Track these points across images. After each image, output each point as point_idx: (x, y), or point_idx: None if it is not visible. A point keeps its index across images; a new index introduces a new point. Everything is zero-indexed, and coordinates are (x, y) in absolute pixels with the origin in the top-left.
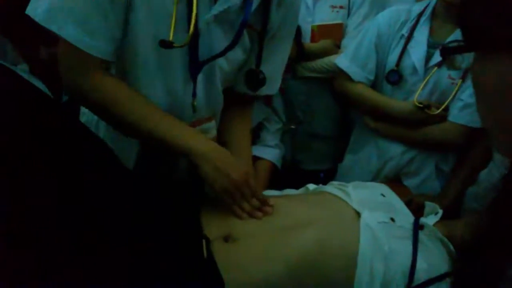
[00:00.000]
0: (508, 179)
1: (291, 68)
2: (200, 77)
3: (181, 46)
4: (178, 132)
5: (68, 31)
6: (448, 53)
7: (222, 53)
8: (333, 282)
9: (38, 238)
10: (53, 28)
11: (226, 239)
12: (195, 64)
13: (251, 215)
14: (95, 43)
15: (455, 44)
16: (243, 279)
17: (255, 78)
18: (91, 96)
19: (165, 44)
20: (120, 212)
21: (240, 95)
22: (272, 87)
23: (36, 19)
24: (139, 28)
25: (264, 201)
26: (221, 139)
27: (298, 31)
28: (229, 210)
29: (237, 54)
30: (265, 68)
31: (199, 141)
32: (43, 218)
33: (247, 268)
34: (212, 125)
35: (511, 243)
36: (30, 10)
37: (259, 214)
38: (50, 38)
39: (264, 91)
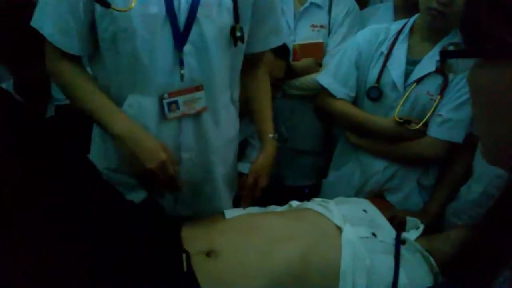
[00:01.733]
0: (505, 196)
1: (280, 87)
2: (189, 48)
3: (119, 10)
4: (106, 115)
5: (47, 30)
6: (448, 57)
7: (194, 4)
8: None
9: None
10: (38, 27)
11: (208, 254)
12: (178, 35)
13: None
14: (65, 39)
15: (454, 47)
16: None
17: (233, 34)
18: (56, 79)
19: (102, 2)
20: (101, 227)
21: (249, 59)
22: (277, 38)
23: (32, 24)
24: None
25: (177, 188)
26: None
27: (287, 50)
28: (210, 226)
29: (222, 17)
30: (259, 20)
31: (121, 124)
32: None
33: (229, 284)
34: (200, 95)
35: (501, 257)
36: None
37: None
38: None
39: (272, 42)
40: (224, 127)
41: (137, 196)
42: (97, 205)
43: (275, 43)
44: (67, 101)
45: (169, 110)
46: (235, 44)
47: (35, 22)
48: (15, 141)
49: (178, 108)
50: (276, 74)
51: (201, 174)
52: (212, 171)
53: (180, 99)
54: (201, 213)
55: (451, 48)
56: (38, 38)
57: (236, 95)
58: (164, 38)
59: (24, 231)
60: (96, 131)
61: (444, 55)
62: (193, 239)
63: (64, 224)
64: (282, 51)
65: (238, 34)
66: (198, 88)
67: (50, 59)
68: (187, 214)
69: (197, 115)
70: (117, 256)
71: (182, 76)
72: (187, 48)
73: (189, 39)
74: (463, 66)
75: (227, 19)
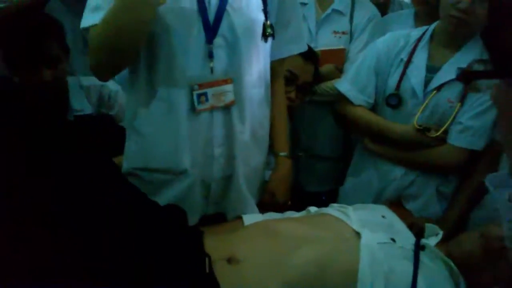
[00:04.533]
0: None
1: (309, 91)
2: (219, 41)
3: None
4: None
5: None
6: (471, 79)
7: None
8: None
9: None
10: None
11: (229, 260)
12: (208, 28)
13: None
14: None
15: (477, 66)
16: None
17: (264, 31)
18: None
19: None
20: (126, 230)
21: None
22: (298, 45)
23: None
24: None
25: None
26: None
27: (315, 55)
28: (230, 232)
29: (251, 12)
30: (282, 27)
31: None
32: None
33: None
34: (229, 88)
35: None
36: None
37: None
38: (53, 61)
39: (293, 49)
40: (251, 123)
41: (162, 198)
42: (120, 206)
43: (296, 50)
44: (87, 112)
45: (199, 102)
46: (266, 40)
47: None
48: (30, 143)
49: (207, 100)
50: (305, 78)
51: (228, 170)
52: (234, 167)
53: (210, 91)
54: (230, 213)
55: (476, 67)
56: (41, 44)
57: (269, 97)
58: (195, 31)
59: (45, 234)
60: (129, 131)
61: (469, 75)
62: (215, 245)
63: (86, 225)
64: (310, 56)
65: (269, 30)
66: (226, 81)
67: None
68: (217, 212)
69: (226, 109)
70: (140, 258)
71: (212, 68)
72: (217, 41)
73: (219, 32)
74: (487, 84)
75: (256, 14)
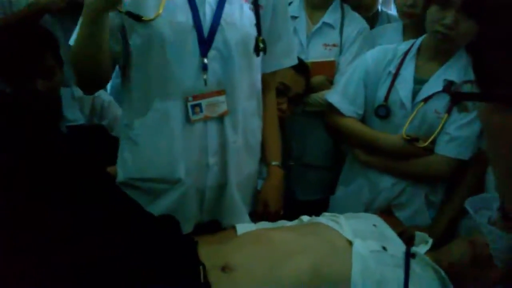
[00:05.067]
0: None
1: (301, 103)
2: (213, 53)
3: (149, 20)
4: None
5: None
6: (460, 100)
7: (218, 13)
8: None
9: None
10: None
11: (223, 269)
12: (202, 41)
13: None
14: None
15: (466, 87)
16: None
17: (256, 45)
18: None
19: (132, 15)
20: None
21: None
22: (289, 58)
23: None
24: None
25: None
26: None
27: (307, 68)
28: (224, 241)
29: (244, 26)
30: (273, 41)
31: None
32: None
33: None
34: (222, 99)
35: None
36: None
37: None
38: (47, 72)
39: (284, 62)
40: (244, 133)
41: (158, 207)
42: (115, 216)
43: (287, 63)
44: (80, 122)
45: (193, 112)
46: (257, 54)
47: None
48: (27, 152)
49: (201, 110)
50: (297, 89)
51: (222, 179)
52: (227, 176)
53: (204, 102)
54: (224, 221)
55: (465, 87)
56: (37, 55)
57: (260, 109)
58: (190, 45)
59: (40, 245)
60: (124, 141)
61: (457, 96)
62: (209, 253)
63: (81, 235)
64: (301, 68)
65: (261, 45)
66: (220, 93)
67: None
68: (211, 220)
69: (219, 119)
70: (134, 267)
71: (205, 80)
72: (211, 54)
73: (213, 46)
74: (476, 106)
75: (249, 29)
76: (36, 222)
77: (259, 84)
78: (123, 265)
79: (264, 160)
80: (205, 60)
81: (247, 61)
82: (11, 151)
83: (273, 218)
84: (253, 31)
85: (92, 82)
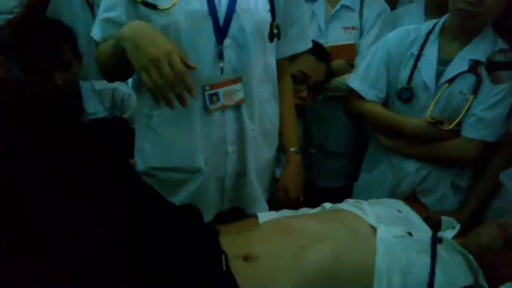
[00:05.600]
0: None
1: (322, 90)
2: (229, 41)
3: (165, 9)
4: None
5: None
6: (495, 69)
7: (233, 0)
8: None
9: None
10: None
11: (246, 258)
12: (218, 29)
13: (165, 96)
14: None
15: (498, 57)
16: None
17: (271, 31)
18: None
19: (148, 4)
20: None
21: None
22: (303, 43)
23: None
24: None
25: (188, 85)
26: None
27: (327, 54)
28: (246, 230)
29: (259, 12)
30: (287, 26)
31: (129, 25)
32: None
33: (265, 285)
34: (238, 87)
35: None
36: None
37: (177, 95)
38: (64, 64)
39: (298, 47)
40: (260, 120)
41: (178, 197)
42: (137, 206)
43: (301, 48)
44: (101, 115)
45: (211, 102)
46: (271, 40)
47: (92, 31)
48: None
49: (218, 100)
50: (318, 77)
51: (241, 166)
52: (246, 163)
53: (221, 91)
54: (245, 208)
55: (497, 58)
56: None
57: (276, 95)
58: (206, 33)
59: (59, 233)
60: (143, 131)
61: (492, 66)
62: (230, 242)
63: (103, 226)
64: (321, 54)
65: (275, 31)
66: (236, 81)
67: None
68: (233, 207)
69: (236, 107)
70: (156, 257)
71: (222, 69)
72: (227, 41)
73: (229, 33)
74: (508, 74)
75: (264, 15)
76: (57, 216)
77: (274, 70)
78: (144, 255)
79: (282, 146)
80: (221, 48)
81: (262, 47)
82: (29, 143)
83: (293, 204)
84: (268, 17)
85: (115, 77)
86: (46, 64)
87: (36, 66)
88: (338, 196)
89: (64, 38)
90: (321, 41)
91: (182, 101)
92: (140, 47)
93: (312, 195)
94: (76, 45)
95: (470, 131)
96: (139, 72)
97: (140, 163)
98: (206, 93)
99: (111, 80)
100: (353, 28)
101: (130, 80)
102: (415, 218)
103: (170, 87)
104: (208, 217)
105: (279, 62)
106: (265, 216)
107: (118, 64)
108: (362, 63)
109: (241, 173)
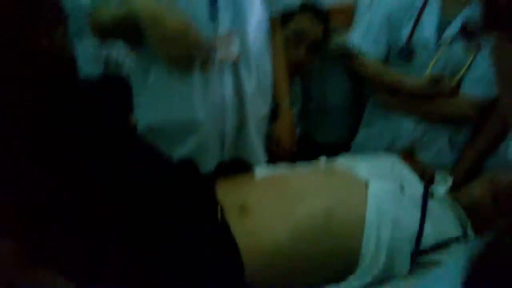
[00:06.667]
0: None
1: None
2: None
3: None
4: None
5: None
6: (469, 33)
7: None
8: (341, 250)
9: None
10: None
11: (240, 209)
12: None
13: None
14: None
15: (474, 22)
16: (255, 246)
17: None
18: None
19: None
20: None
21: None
22: None
23: None
24: None
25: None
26: None
27: (325, 13)
28: (242, 183)
29: None
30: None
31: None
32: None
33: (259, 236)
34: (234, 41)
35: None
36: None
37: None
38: (48, 28)
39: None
40: (257, 74)
41: (179, 153)
42: (134, 160)
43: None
44: (95, 74)
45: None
46: None
47: None
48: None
49: (215, 55)
50: (314, 36)
51: (240, 120)
52: (245, 116)
53: (217, 45)
54: (245, 158)
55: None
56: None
57: (269, 49)
58: None
59: (59, 193)
60: (141, 88)
61: (464, 31)
62: (227, 194)
63: (101, 179)
64: (320, 14)
65: None
66: (231, 36)
67: None
68: (233, 158)
69: (233, 63)
70: (153, 208)
71: (217, 24)
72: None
73: None
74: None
75: None
76: (56, 176)
77: (266, 26)
78: (140, 209)
79: (275, 102)
80: (216, 3)
81: (255, 1)
82: (24, 112)
83: (286, 156)
84: None
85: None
86: (27, 28)
87: (16, 31)
88: (338, 151)
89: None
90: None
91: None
92: (167, 39)
93: (311, 150)
94: (61, 5)
95: (470, 88)
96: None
97: (140, 119)
98: None
99: (105, 41)
100: None
101: None
102: (408, 173)
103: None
104: (208, 167)
105: (270, 20)
106: (262, 170)
107: (125, 35)
108: (363, 21)
109: (241, 127)
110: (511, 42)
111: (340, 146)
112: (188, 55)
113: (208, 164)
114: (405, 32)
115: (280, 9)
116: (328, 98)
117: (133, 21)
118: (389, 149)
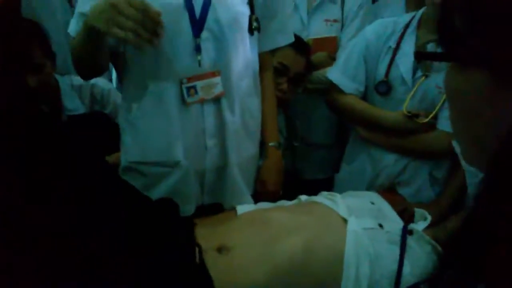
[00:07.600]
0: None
1: (302, 82)
2: (206, 34)
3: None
4: None
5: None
6: (423, 58)
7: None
8: (321, 285)
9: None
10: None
11: (219, 249)
12: (194, 22)
13: (144, 37)
14: None
15: (431, 47)
16: (233, 285)
17: (250, 24)
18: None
19: None
20: (119, 222)
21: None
22: (285, 36)
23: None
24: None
25: (153, 18)
26: None
27: (306, 46)
28: (222, 222)
29: (237, 5)
30: (268, 19)
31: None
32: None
33: (237, 276)
34: (217, 80)
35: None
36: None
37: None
38: (36, 66)
39: (279, 41)
40: (241, 114)
41: (159, 190)
42: (113, 201)
43: (283, 41)
44: (79, 111)
45: (188, 94)
46: (251, 33)
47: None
48: (28, 143)
49: (196, 93)
50: (297, 69)
51: (222, 160)
52: (227, 158)
53: (199, 84)
54: (226, 203)
55: (429, 46)
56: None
57: (258, 89)
58: (182, 25)
59: (36, 230)
60: (124, 125)
61: (419, 56)
62: (206, 235)
63: (79, 219)
64: (301, 47)
65: (255, 24)
66: (215, 74)
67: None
68: (214, 202)
69: (216, 101)
70: (131, 249)
71: (199, 62)
72: (204, 34)
73: (206, 26)
74: (439, 67)
75: (241, 7)
76: (35, 212)
77: (256, 64)
78: (119, 248)
79: (262, 140)
80: (198, 41)
81: (241, 40)
82: (10, 144)
83: (272, 198)
84: (246, 10)
85: (91, 72)
86: (16, 67)
87: (4, 70)
88: (322, 188)
89: (35, 37)
90: (303, 34)
91: (156, 35)
92: (98, 7)
93: (296, 187)
94: (49, 44)
95: (445, 124)
96: (107, 29)
97: (123, 157)
98: (183, 86)
99: (87, 76)
100: (334, 21)
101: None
102: (388, 210)
103: (140, 24)
104: (188, 210)
105: (261, 56)
106: (243, 208)
107: (89, 51)
108: (341, 56)
109: (222, 168)
110: (462, 70)
111: (324, 183)
112: (137, 18)
113: (187, 206)
114: (383, 67)
115: (271, 46)
116: (312, 134)
117: (90, 28)
118: (371, 185)
